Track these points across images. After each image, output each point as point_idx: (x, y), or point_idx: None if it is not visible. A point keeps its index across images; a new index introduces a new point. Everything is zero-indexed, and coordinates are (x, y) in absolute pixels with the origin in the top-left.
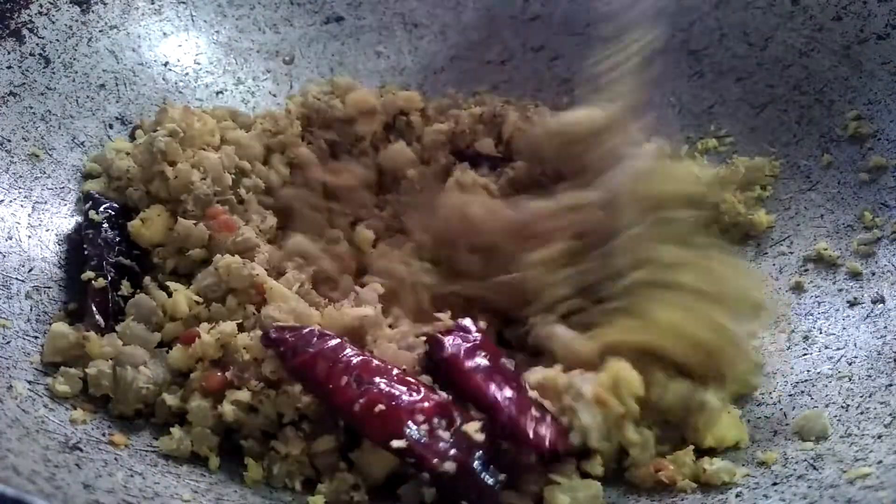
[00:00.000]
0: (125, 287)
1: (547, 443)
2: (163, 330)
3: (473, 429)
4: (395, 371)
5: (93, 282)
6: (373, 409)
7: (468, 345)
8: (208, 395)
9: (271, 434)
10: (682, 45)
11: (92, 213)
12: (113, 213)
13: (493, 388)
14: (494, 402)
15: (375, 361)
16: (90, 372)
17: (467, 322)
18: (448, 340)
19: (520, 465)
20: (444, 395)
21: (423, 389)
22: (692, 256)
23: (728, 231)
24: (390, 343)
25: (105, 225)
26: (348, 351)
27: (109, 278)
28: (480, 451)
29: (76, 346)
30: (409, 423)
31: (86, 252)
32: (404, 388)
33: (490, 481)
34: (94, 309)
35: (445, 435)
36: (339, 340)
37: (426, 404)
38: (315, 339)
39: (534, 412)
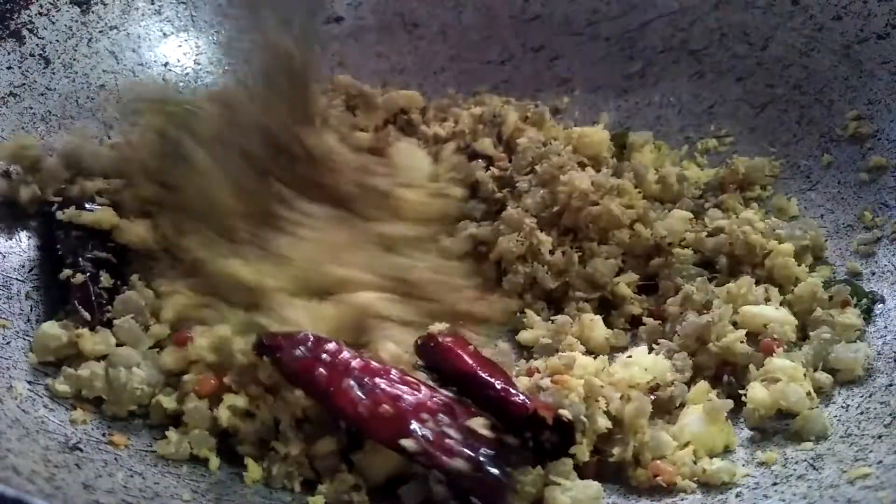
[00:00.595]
0: (105, 279)
1: (537, 407)
2: (148, 331)
3: (479, 424)
4: (395, 372)
5: (71, 279)
6: (377, 410)
7: (459, 339)
8: (202, 398)
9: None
10: (682, 45)
11: (59, 214)
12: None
13: (483, 370)
14: (486, 380)
15: (374, 363)
16: (82, 374)
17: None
18: (435, 336)
19: (521, 459)
20: (446, 392)
21: (424, 388)
22: None
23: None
24: (393, 341)
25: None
26: (346, 353)
27: (88, 273)
28: (486, 448)
29: (68, 346)
30: (415, 421)
31: (59, 253)
32: (406, 388)
33: (498, 474)
34: (78, 305)
35: (452, 432)
36: (335, 343)
37: (429, 403)
38: (311, 342)
39: (523, 392)
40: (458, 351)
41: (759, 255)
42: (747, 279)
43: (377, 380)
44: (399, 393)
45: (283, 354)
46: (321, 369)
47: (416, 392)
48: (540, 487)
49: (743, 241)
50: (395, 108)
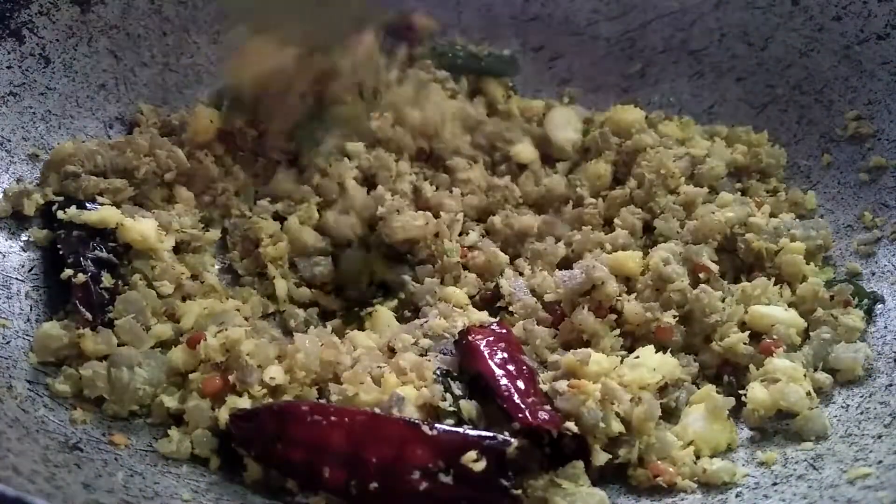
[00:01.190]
0: (106, 279)
1: (536, 420)
2: (150, 331)
3: (471, 459)
4: (376, 431)
5: (73, 279)
6: (367, 487)
7: (491, 337)
8: (205, 397)
9: None
10: (682, 45)
11: (60, 214)
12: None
13: (501, 373)
14: (495, 387)
15: (356, 427)
16: (84, 373)
17: (495, 325)
18: (475, 331)
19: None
20: (437, 428)
21: (409, 433)
22: None
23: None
24: (409, 350)
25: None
26: (321, 421)
27: (89, 273)
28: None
29: (69, 346)
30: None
31: (61, 252)
32: (393, 447)
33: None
34: (79, 305)
35: (448, 479)
36: (306, 409)
37: (419, 451)
38: (278, 421)
39: (536, 400)
40: (483, 351)
41: (765, 258)
42: (763, 281)
43: (363, 452)
44: (386, 458)
45: (253, 443)
46: (300, 455)
47: (404, 446)
48: (547, 492)
49: (747, 249)
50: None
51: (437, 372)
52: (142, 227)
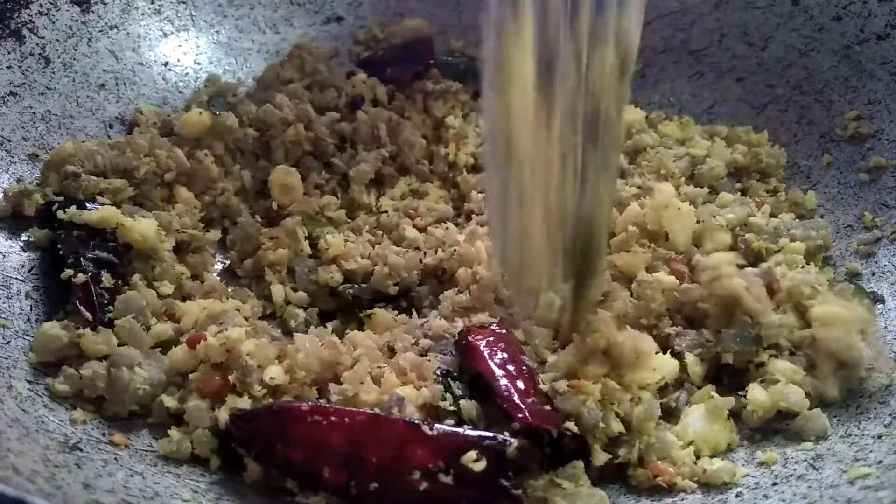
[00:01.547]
0: (106, 279)
1: (536, 420)
2: (150, 331)
3: (471, 459)
4: (376, 431)
5: (73, 279)
6: (367, 487)
7: (491, 338)
8: (205, 397)
9: None
10: (682, 45)
11: (60, 214)
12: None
13: (501, 373)
14: (495, 387)
15: (356, 427)
16: (84, 373)
17: (495, 325)
18: (475, 331)
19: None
20: (437, 428)
21: (409, 433)
22: None
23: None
24: (409, 350)
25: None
26: (321, 421)
27: (89, 273)
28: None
29: (69, 346)
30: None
31: (61, 252)
32: (393, 448)
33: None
34: (79, 305)
35: (448, 479)
36: (306, 409)
37: (419, 451)
38: (278, 421)
39: (536, 400)
40: (483, 352)
41: (765, 258)
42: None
43: (362, 453)
44: (386, 459)
45: (254, 445)
46: (300, 455)
47: (403, 447)
48: (548, 493)
49: (747, 249)
50: None
51: (437, 372)
52: (142, 227)
